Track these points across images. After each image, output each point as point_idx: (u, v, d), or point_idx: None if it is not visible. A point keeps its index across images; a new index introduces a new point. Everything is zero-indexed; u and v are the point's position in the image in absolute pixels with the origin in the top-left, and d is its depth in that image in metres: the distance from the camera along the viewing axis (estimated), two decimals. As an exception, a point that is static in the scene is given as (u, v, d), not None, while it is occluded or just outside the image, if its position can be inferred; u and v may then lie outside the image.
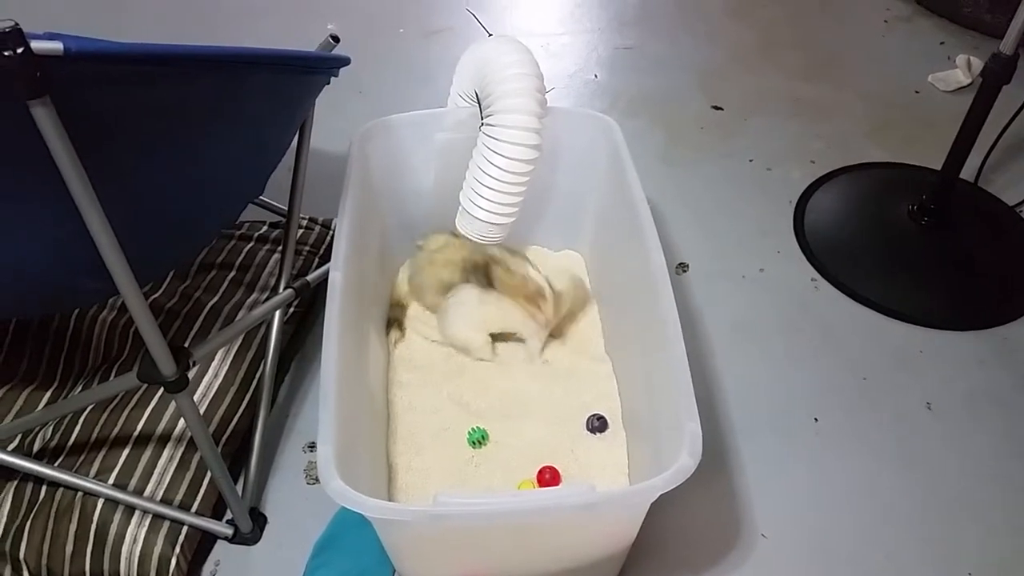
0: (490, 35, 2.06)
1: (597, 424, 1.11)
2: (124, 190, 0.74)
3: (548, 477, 1.04)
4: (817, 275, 1.43)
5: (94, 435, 1.07)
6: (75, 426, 1.08)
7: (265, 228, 1.40)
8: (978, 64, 1.89)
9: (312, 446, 1.16)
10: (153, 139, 0.74)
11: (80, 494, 1.01)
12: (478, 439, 1.09)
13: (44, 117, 0.58)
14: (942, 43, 2.04)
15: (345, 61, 0.97)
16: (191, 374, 0.88)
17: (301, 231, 1.38)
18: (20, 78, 0.55)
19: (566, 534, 0.87)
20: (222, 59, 0.72)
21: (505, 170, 1.10)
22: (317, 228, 1.41)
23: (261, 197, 1.22)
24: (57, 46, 0.55)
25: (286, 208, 1.16)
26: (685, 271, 1.43)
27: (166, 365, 0.84)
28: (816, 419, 1.20)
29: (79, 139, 0.62)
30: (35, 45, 0.54)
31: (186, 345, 0.87)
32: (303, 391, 1.24)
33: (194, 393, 1.10)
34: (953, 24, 2.09)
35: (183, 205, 0.85)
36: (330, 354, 0.87)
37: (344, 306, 0.95)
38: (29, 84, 0.56)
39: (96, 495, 1.01)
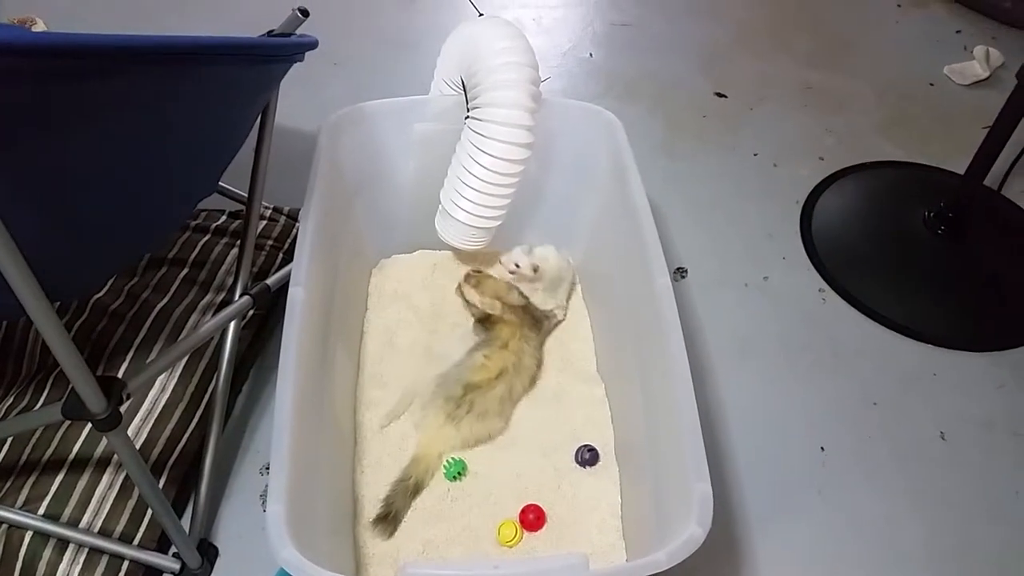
0: (481, 15, 1.91)
1: (588, 456, 1.00)
2: (37, 197, 0.61)
3: (532, 518, 0.94)
4: (825, 285, 1.33)
5: (23, 458, 0.96)
6: (0, 448, 0.96)
7: (223, 218, 1.26)
8: (997, 56, 1.77)
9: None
10: (75, 140, 0.61)
11: (5, 527, 0.90)
12: (456, 473, 0.98)
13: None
14: (958, 31, 1.92)
15: (311, 44, 0.84)
16: (125, 407, 0.75)
17: (264, 223, 1.25)
18: None
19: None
20: (156, 52, 0.59)
21: (491, 170, 1.00)
22: (282, 219, 1.28)
23: (220, 183, 1.08)
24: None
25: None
26: (683, 277, 1.32)
27: (94, 401, 0.72)
28: (822, 448, 1.11)
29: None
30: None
31: (128, 358, 0.74)
32: (263, 403, 1.13)
33: (136, 414, 0.98)
34: (970, 11, 1.97)
35: (113, 214, 0.72)
36: (286, 389, 0.76)
37: (305, 326, 0.83)
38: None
39: (23, 528, 0.90)
